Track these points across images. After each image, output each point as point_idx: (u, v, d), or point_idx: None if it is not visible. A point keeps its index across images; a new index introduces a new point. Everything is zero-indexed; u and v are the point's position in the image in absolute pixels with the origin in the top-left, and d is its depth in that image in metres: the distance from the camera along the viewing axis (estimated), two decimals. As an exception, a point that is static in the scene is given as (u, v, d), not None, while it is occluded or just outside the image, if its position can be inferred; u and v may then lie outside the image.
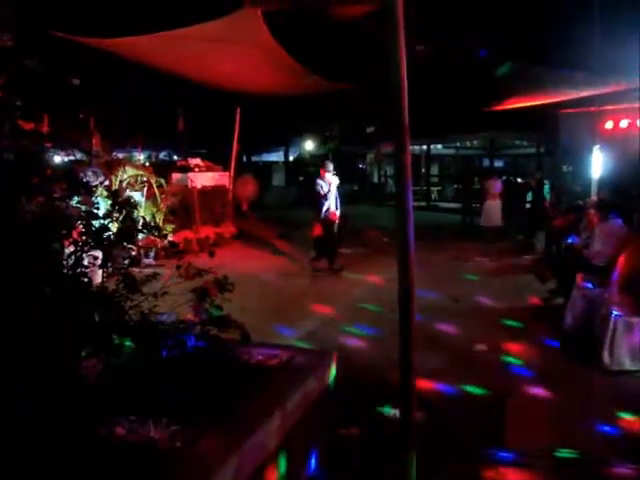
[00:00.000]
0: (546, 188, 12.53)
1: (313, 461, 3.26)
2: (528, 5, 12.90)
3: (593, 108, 9.40)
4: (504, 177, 16.05)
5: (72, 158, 3.77)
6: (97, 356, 2.45)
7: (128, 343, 2.67)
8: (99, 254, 2.83)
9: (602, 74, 8.75)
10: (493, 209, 12.66)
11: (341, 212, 9.53)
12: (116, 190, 8.84)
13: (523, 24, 12.88)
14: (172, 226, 10.61)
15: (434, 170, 26.69)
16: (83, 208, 2.79)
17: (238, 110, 13.22)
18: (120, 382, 2.53)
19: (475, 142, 24.77)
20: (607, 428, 3.93)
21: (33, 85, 2.88)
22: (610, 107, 10.12)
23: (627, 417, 4.09)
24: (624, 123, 10.21)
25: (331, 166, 9.53)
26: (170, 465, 2.29)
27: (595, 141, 8.86)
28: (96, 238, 2.71)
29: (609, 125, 10.31)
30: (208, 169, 13.19)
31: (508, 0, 13.07)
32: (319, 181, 9.33)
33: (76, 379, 2.34)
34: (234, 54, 9.14)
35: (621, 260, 5.37)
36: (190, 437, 2.44)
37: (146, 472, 2.24)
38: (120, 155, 11.83)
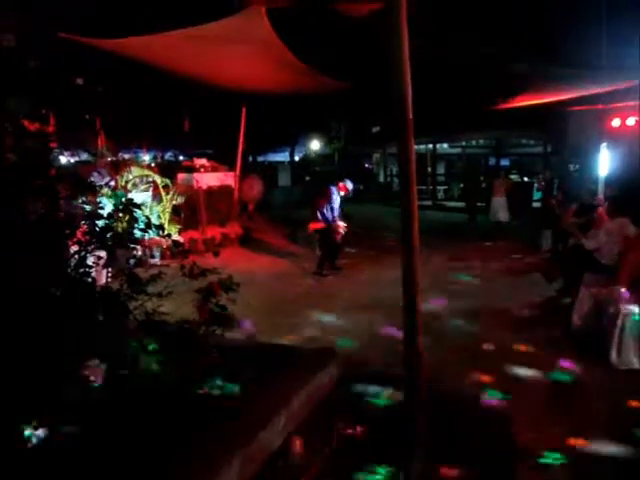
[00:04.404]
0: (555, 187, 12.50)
1: (318, 459, 3.25)
2: (535, 3, 12.86)
3: (600, 106, 9.34)
4: (509, 177, 15.97)
5: (77, 159, 3.78)
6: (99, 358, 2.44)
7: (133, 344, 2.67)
8: (103, 254, 2.83)
9: (609, 71, 8.70)
10: (498, 205, 13.39)
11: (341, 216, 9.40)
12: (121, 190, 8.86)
13: (530, 22, 12.83)
14: (178, 226, 10.64)
15: (440, 169, 26.60)
16: (87, 208, 2.80)
17: (244, 110, 13.22)
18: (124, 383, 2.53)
19: (481, 141, 24.68)
20: (616, 427, 3.90)
21: (38, 85, 2.87)
22: (617, 105, 10.06)
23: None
24: (631, 121, 10.13)
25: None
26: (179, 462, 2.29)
27: (602, 139, 8.79)
28: (100, 238, 2.71)
29: (616, 123, 10.23)
30: (214, 169, 13.18)
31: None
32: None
33: (78, 382, 2.33)
34: (239, 53, 9.14)
35: (629, 258, 5.33)
36: (197, 437, 2.43)
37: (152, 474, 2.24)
38: (126, 156, 11.85)
